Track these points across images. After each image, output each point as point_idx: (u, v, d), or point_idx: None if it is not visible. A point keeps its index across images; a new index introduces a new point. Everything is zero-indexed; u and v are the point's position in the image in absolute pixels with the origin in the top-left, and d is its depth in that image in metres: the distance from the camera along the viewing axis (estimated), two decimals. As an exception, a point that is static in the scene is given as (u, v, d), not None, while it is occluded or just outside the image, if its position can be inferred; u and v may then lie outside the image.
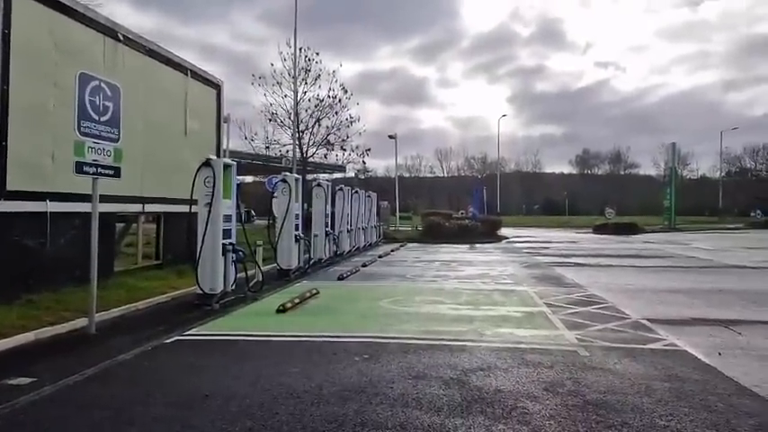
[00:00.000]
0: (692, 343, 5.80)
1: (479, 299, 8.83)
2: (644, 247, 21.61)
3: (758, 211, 48.32)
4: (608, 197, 69.57)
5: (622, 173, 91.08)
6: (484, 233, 26.67)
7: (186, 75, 12.54)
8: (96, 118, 6.15)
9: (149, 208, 10.95)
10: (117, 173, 6.52)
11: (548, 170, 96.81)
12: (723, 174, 66.99)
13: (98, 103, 6.17)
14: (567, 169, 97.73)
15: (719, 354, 5.37)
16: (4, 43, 7.42)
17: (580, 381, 4.53)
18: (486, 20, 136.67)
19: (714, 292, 9.67)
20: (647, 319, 7.08)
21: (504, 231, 30.48)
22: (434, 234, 25.88)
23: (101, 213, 6.58)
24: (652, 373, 4.75)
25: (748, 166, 77.36)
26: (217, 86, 14.13)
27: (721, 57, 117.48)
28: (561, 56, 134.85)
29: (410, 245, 23.29)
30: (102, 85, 6.26)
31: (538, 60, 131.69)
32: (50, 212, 8.09)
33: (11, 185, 7.56)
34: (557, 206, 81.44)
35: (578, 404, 3.98)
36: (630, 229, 33.20)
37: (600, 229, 33.97)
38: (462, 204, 46.52)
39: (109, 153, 6.34)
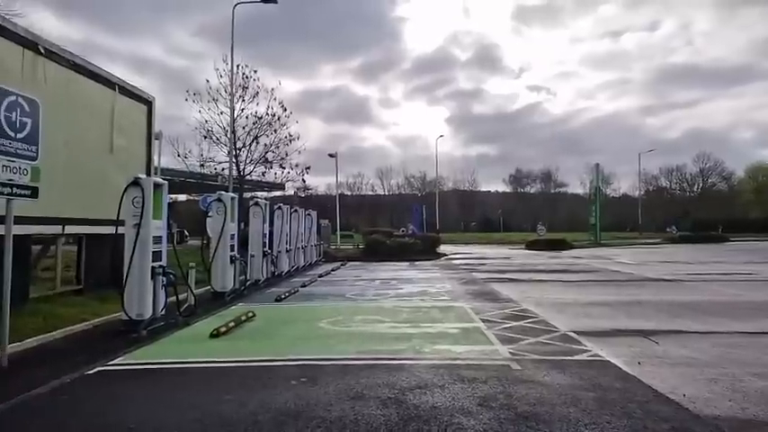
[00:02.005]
0: (614, 353, 6.16)
1: (418, 316, 8.94)
2: (572, 263, 22.75)
3: (673, 227, 52.34)
4: (539, 214, 73.16)
5: (553, 191, 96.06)
6: (423, 251, 27.08)
7: (114, 90, 11.99)
8: (12, 135, 5.75)
9: (70, 229, 10.27)
10: (34, 193, 6.11)
11: (484, 188, 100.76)
12: (642, 192, 72.18)
13: (14, 119, 5.78)
14: (501, 188, 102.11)
15: (639, 363, 5.73)
16: None
17: (512, 394, 4.68)
18: (427, 43, 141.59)
19: (634, 304, 10.32)
20: (575, 332, 7.44)
21: (442, 248, 31.11)
22: (375, 252, 25.99)
23: (15, 236, 6.12)
24: (578, 384, 5.00)
25: (664, 185, 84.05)
26: (147, 102, 13.59)
27: (640, 84, 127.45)
28: (497, 80, 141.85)
29: (351, 263, 23.23)
30: (20, 100, 5.88)
31: (475, 84, 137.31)
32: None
33: None
34: (492, 223, 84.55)
35: (510, 417, 4.12)
36: (560, 245, 34.89)
37: (532, 246, 35.44)
38: (403, 222, 47.17)
39: (25, 172, 5.95)
